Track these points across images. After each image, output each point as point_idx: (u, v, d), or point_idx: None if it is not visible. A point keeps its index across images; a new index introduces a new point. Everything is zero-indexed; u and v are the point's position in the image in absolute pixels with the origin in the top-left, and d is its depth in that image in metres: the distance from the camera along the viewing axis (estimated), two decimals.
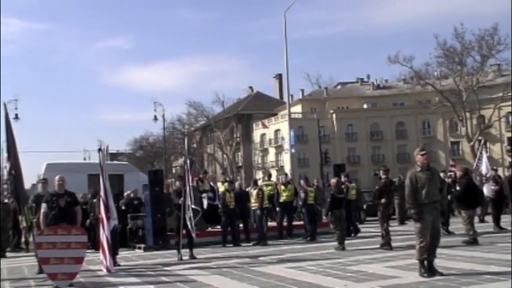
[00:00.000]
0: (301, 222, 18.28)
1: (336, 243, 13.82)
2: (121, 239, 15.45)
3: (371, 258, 11.83)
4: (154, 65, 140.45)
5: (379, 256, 12.10)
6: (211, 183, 18.56)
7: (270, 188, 18.36)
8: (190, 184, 13.42)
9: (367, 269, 10.11)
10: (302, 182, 17.83)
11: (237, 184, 17.72)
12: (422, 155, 9.17)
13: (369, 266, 10.51)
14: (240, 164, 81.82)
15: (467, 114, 60.86)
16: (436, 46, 58.32)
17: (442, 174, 14.69)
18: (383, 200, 13.64)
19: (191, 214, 13.26)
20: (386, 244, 13.44)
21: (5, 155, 12.59)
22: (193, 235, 13.52)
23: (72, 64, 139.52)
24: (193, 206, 13.22)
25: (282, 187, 18.14)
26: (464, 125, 60.82)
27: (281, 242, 16.98)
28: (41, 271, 11.16)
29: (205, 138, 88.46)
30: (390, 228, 13.92)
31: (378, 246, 13.70)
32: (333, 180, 14.75)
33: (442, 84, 61.06)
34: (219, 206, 17.09)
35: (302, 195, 17.33)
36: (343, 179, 17.29)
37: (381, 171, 14.24)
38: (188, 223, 13.28)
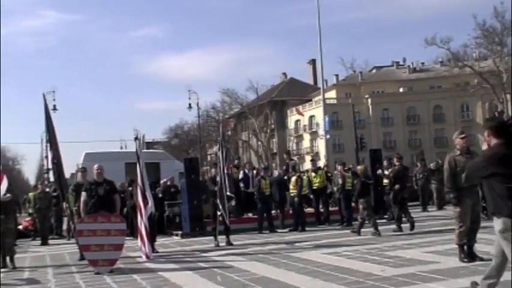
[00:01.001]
0: (337, 208, 18.25)
1: (372, 229, 13.78)
2: (159, 226, 15.98)
3: (408, 243, 11.71)
4: (188, 53, 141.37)
5: (417, 241, 11.99)
6: (246, 170, 18.63)
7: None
8: (225, 172, 13.60)
9: (404, 255, 10.02)
10: (339, 167, 17.79)
11: (276, 172, 17.74)
12: (462, 138, 9.05)
13: (406, 252, 10.41)
14: (275, 151, 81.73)
15: (508, 96, 59.55)
16: (475, 26, 57.01)
17: None
18: (397, 186, 14.30)
19: (225, 201, 13.48)
20: (398, 228, 14.09)
21: (47, 145, 12.86)
22: (227, 222, 13.66)
23: (107, 54, 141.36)
24: (227, 193, 13.40)
25: (312, 174, 18.09)
26: (505, 107, 59.55)
27: (318, 228, 16.94)
28: (82, 258, 11.48)
29: (239, 126, 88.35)
30: (429, 214, 13.86)
31: (413, 232, 13.82)
32: (361, 167, 15.18)
33: (481, 66, 59.77)
34: (255, 193, 17.14)
35: (340, 180, 17.29)
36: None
37: (395, 158, 15.08)
38: (222, 210, 13.45)
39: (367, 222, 13.96)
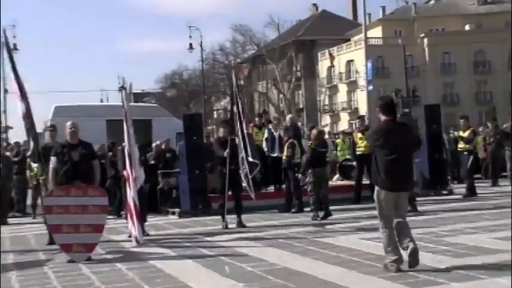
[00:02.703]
0: None
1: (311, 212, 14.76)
2: (150, 202, 15.59)
3: (472, 227, 11.77)
4: None
5: (483, 225, 11.99)
6: (272, 130, 18.24)
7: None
8: (245, 131, 13.69)
9: (467, 241, 10.07)
10: None
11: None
12: None
13: (469, 238, 10.45)
14: (301, 106, 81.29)
15: None
16: None
17: None
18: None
19: (247, 169, 13.46)
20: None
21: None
22: (253, 196, 13.82)
23: None
24: (250, 159, 13.42)
25: (359, 135, 18.00)
26: None
27: (358, 206, 16.89)
28: (51, 241, 11.44)
29: (255, 73, 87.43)
30: (500, 189, 13.74)
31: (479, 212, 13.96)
32: (314, 131, 16.27)
33: None
34: (282, 160, 16.91)
35: None
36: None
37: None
38: (244, 181, 13.60)
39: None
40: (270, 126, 18.51)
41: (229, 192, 14.01)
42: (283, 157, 16.52)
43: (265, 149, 17.73)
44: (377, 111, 8.07)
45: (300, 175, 16.13)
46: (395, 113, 8.06)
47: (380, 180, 7.81)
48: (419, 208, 14.97)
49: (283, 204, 16.74)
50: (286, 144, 16.36)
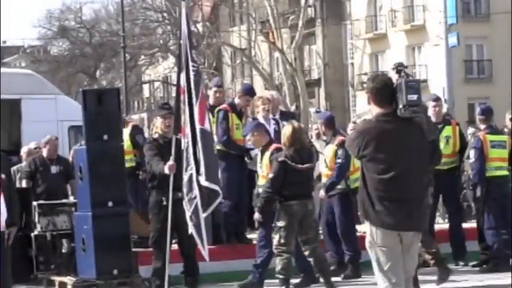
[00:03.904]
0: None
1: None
2: (17, 264, 11.24)
3: None
4: None
5: None
6: (261, 117, 11.71)
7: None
8: (198, 127, 9.51)
9: None
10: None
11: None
12: None
13: None
14: (316, 75, 52.96)
15: None
16: None
17: None
18: None
19: (198, 200, 9.42)
20: None
21: None
22: (205, 253, 9.68)
23: None
24: (203, 182, 9.42)
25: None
26: None
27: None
28: None
29: (225, 10, 55.73)
30: None
31: None
32: (286, 129, 10.68)
33: None
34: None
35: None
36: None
37: None
38: (190, 223, 9.56)
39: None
40: (260, 112, 12.09)
41: (175, 245, 10.25)
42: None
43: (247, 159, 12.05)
44: (367, 99, 6.10)
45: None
46: (394, 103, 5.93)
47: (372, 213, 5.91)
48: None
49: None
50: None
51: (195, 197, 9.56)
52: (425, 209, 6.24)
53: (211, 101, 12.14)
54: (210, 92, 12.60)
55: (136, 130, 13.93)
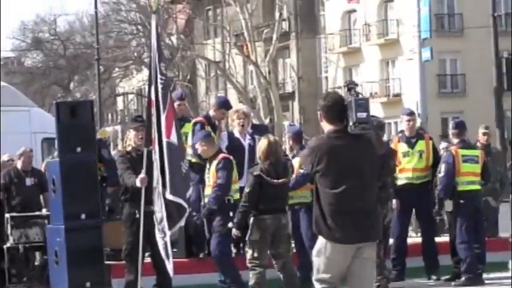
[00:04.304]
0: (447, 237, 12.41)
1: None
2: None
3: None
4: None
5: None
6: (236, 131, 11.95)
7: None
8: (164, 140, 9.43)
9: None
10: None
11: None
12: None
13: None
14: (290, 88, 52.92)
15: None
16: None
17: None
18: None
19: (164, 215, 9.34)
20: None
21: None
22: (169, 268, 9.58)
23: None
24: (169, 197, 9.38)
25: (401, 147, 12.08)
26: None
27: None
28: None
29: (199, 23, 54.98)
30: None
31: None
32: (262, 143, 10.45)
33: None
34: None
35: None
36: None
37: None
38: (159, 237, 9.54)
39: None
40: (236, 127, 12.03)
41: (148, 258, 10.15)
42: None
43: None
44: (318, 116, 6.38)
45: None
46: (345, 120, 6.17)
47: (324, 228, 6.12)
48: None
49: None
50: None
51: (161, 213, 9.46)
52: (375, 220, 6.38)
53: None
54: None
55: (102, 144, 13.79)
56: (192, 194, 10.71)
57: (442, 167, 11.46)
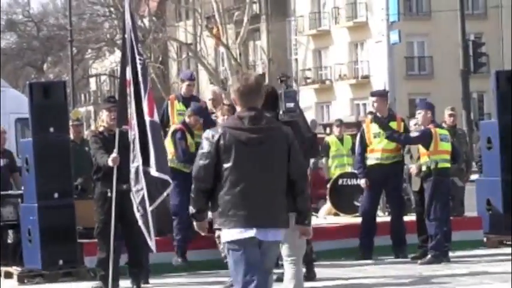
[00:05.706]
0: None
1: None
2: None
3: None
4: None
5: None
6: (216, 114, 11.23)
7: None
8: (147, 119, 9.17)
9: None
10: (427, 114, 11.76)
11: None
12: None
13: None
14: (260, 70, 52.04)
15: None
16: None
17: None
18: None
19: (145, 192, 9.01)
20: None
21: None
22: (151, 244, 9.29)
23: None
24: (153, 172, 9.07)
25: (372, 128, 12.02)
26: None
27: (366, 263, 11.88)
28: None
29: (171, 6, 56.48)
30: None
31: None
32: None
33: None
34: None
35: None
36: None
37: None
38: (137, 214, 9.13)
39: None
40: (216, 112, 11.39)
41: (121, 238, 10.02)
42: None
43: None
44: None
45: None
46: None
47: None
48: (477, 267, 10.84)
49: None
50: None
51: (142, 189, 9.26)
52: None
53: (183, 92, 12.30)
54: (183, 85, 12.53)
55: None
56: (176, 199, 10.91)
57: (419, 133, 11.35)
